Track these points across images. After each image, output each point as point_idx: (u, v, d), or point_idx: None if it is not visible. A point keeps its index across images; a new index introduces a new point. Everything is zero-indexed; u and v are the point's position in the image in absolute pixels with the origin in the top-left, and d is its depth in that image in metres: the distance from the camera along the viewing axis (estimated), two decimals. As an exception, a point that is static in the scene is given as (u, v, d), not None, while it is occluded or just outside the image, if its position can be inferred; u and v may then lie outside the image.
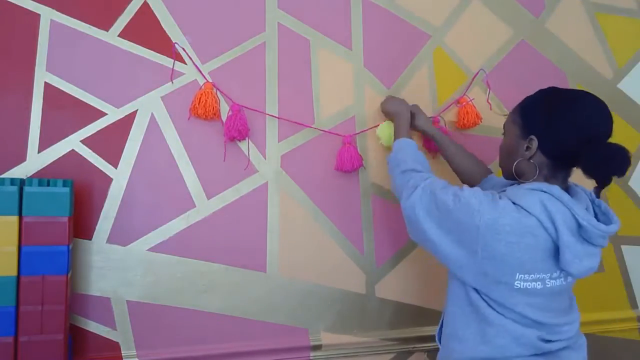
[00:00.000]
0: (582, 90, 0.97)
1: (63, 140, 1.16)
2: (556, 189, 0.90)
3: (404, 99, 1.33)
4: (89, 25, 1.18)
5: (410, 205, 1.00)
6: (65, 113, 1.16)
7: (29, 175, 1.13)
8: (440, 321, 1.11)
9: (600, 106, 0.93)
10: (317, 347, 1.32)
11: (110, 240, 1.18)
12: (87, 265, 1.17)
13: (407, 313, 1.42)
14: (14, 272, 1.01)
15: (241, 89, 1.28)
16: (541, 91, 1.00)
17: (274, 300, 1.30)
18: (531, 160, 0.96)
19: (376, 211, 1.39)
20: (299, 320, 1.33)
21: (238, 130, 1.23)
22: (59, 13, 1.16)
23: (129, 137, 1.20)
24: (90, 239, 1.17)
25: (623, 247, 1.67)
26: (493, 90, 1.50)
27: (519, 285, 0.89)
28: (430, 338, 1.42)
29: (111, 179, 1.19)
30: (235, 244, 1.27)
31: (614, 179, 0.89)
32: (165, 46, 1.23)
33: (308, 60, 1.35)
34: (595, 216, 0.94)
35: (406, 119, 1.25)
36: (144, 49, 1.22)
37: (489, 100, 1.49)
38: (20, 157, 1.13)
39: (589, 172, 0.88)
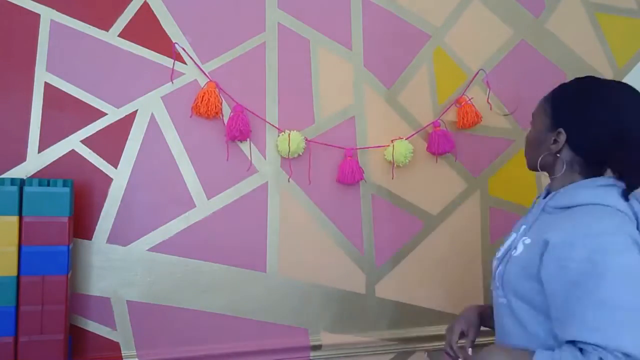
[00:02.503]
0: (622, 82, 0.89)
1: (63, 140, 1.16)
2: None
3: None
4: (89, 25, 1.18)
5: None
6: (65, 113, 1.16)
7: (29, 175, 1.13)
8: None
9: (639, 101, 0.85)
10: (317, 347, 1.32)
11: (110, 240, 1.18)
12: (87, 265, 1.17)
13: (407, 313, 1.42)
14: (14, 272, 1.01)
15: (241, 89, 1.28)
16: (578, 79, 0.92)
17: (274, 300, 1.30)
18: (558, 155, 0.89)
19: (376, 211, 1.39)
20: (299, 320, 1.33)
21: (240, 130, 1.24)
22: (59, 13, 1.16)
23: (129, 137, 1.20)
24: (90, 239, 1.17)
25: (623, 247, 1.66)
26: (493, 90, 1.50)
27: None
28: (430, 338, 1.42)
29: (111, 179, 1.19)
30: (235, 244, 1.27)
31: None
32: (165, 46, 1.23)
33: (308, 60, 1.35)
34: None
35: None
36: (144, 49, 1.22)
37: (489, 100, 1.49)
38: (20, 157, 1.13)
39: (627, 175, 0.84)
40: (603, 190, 0.84)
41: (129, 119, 1.21)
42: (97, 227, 1.18)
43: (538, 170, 0.95)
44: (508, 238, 0.96)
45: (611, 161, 0.87)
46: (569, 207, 0.85)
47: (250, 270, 1.28)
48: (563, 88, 0.93)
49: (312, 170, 1.33)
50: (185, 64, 1.25)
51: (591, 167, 0.88)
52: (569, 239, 0.78)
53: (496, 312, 0.94)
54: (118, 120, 1.20)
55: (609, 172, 0.91)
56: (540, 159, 0.91)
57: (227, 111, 1.27)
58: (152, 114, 1.22)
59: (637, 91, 0.86)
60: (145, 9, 1.22)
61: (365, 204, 1.39)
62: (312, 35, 1.35)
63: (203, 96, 1.22)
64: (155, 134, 1.22)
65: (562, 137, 0.87)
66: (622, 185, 0.84)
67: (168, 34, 1.24)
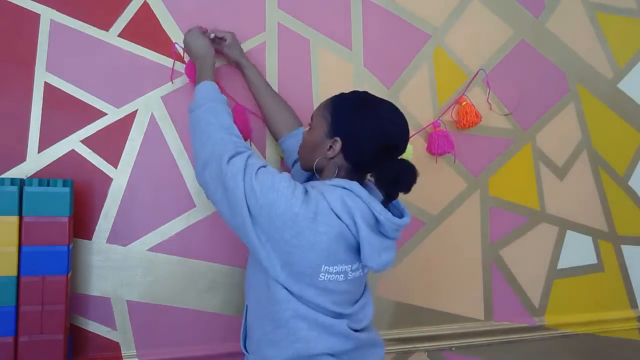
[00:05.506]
0: (389, 102, 0.99)
1: (63, 140, 1.16)
2: (355, 185, 0.92)
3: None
4: (89, 25, 1.18)
5: (233, 171, 0.89)
6: (65, 113, 1.16)
7: (29, 175, 1.13)
8: (243, 327, 1.06)
9: (403, 121, 0.97)
10: (317, 347, 1.32)
11: (110, 240, 1.18)
12: (87, 265, 1.17)
13: (407, 313, 1.42)
14: (14, 272, 1.01)
15: (241, 89, 1.28)
16: (355, 93, 1.00)
17: (274, 300, 1.30)
18: (332, 160, 0.97)
19: (376, 211, 1.39)
20: (299, 320, 1.32)
21: (240, 130, 1.23)
22: (59, 13, 1.16)
23: (129, 137, 1.20)
24: (90, 239, 1.17)
25: (623, 247, 1.67)
26: (493, 90, 1.50)
27: (322, 277, 0.90)
28: (430, 338, 1.42)
29: (111, 179, 1.19)
30: (235, 244, 1.27)
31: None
32: (165, 46, 1.23)
33: (308, 60, 1.35)
34: (389, 210, 0.95)
35: (212, 62, 1.12)
36: (144, 49, 1.22)
37: (489, 100, 1.49)
38: (20, 157, 1.13)
39: (379, 185, 0.92)
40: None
41: (129, 119, 1.21)
42: (97, 227, 1.18)
43: (313, 172, 1.01)
44: None
45: (374, 172, 0.95)
46: None
47: (250, 270, 1.28)
48: (343, 98, 1.00)
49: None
50: (185, 63, 1.24)
51: (356, 174, 0.97)
52: None
53: None
54: (118, 120, 1.20)
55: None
56: (316, 162, 0.98)
57: (227, 111, 1.27)
58: (152, 114, 1.22)
59: (399, 111, 0.98)
60: (145, 9, 1.22)
61: (365, 204, 1.38)
62: (312, 35, 1.35)
63: (203, 96, 1.22)
64: (155, 134, 1.22)
65: (338, 145, 0.95)
66: (351, 186, 0.91)
67: (168, 34, 1.24)
